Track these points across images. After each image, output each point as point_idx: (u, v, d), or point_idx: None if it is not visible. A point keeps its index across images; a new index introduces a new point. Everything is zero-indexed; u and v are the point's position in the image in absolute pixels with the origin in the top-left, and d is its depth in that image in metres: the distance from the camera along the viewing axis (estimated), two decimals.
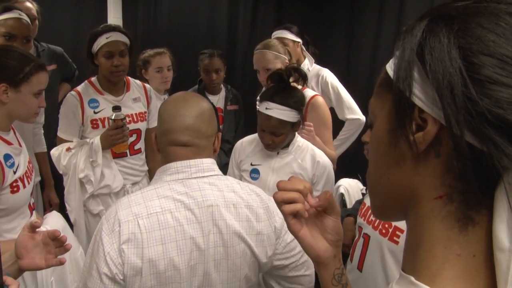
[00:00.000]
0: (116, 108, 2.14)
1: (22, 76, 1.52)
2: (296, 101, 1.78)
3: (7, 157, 1.52)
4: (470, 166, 0.43)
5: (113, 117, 2.12)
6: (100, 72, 2.24)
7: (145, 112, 2.39)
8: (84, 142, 2.15)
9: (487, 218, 0.46)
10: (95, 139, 2.14)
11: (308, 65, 2.70)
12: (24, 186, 1.58)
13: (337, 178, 2.37)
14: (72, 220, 2.18)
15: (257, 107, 1.84)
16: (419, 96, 0.46)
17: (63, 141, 2.21)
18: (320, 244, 0.79)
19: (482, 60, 0.43)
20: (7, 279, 0.96)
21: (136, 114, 2.33)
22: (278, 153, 1.87)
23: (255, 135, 1.94)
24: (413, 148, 0.47)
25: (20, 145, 1.66)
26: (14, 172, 1.54)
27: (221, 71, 2.89)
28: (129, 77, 2.40)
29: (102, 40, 2.15)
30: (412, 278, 0.48)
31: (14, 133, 1.67)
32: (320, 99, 2.29)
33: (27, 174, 1.62)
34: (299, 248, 1.20)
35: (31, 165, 1.71)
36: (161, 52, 2.84)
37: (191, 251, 1.10)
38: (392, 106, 0.50)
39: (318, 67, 2.73)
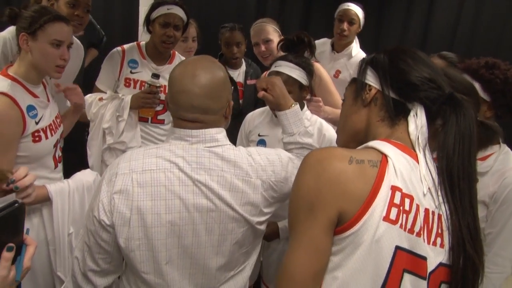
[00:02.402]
0: (155, 76, 2.22)
1: (38, 25, 1.58)
2: (306, 63, 1.77)
3: (30, 108, 1.61)
4: (391, 106, 1.01)
5: (150, 82, 2.21)
6: (151, 39, 2.33)
7: None
8: (116, 96, 2.26)
9: (405, 122, 1.00)
10: (126, 97, 2.23)
11: (355, 48, 2.78)
12: (47, 137, 1.67)
13: None
14: (90, 164, 2.30)
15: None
16: (368, 79, 1.06)
17: (99, 90, 2.33)
18: None
19: (398, 62, 1.02)
20: (27, 238, 0.99)
21: (159, 75, 2.35)
22: None
23: (266, 107, 1.93)
24: (364, 101, 1.05)
25: (48, 100, 1.75)
26: (36, 123, 1.63)
27: (242, 45, 2.85)
28: (176, 51, 2.46)
29: (162, 10, 2.23)
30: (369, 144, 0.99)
31: (45, 88, 1.77)
32: (317, 65, 2.28)
33: (51, 127, 1.71)
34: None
35: (58, 120, 1.81)
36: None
37: (180, 211, 1.14)
38: (355, 88, 1.09)
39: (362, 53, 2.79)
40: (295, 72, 1.74)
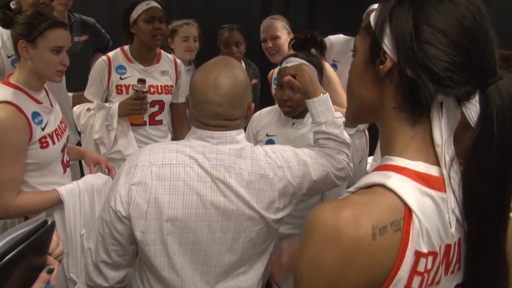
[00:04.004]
0: (141, 81, 2.20)
1: (38, 32, 1.58)
2: (317, 61, 1.76)
3: (35, 114, 1.61)
4: (407, 90, 0.71)
5: (136, 88, 2.19)
6: (137, 40, 2.29)
7: (171, 86, 2.41)
8: (103, 105, 2.23)
9: (429, 119, 0.72)
10: (113, 105, 2.22)
11: None
12: (54, 143, 1.68)
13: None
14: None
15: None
16: (385, 43, 0.72)
17: (87, 101, 2.30)
18: None
19: (424, 28, 0.69)
20: (49, 259, 0.99)
21: (161, 86, 2.37)
22: (293, 124, 1.83)
23: (274, 107, 1.92)
24: (377, 74, 0.74)
25: (52, 106, 1.75)
26: (42, 129, 1.63)
27: (241, 45, 2.86)
28: (161, 50, 2.44)
29: (142, 7, 2.22)
30: (387, 155, 0.76)
31: (47, 93, 1.76)
32: (325, 64, 2.23)
33: (57, 132, 1.72)
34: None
35: (63, 125, 1.81)
36: (189, 22, 2.86)
37: (196, 207, 1.15)
38: (369, 45, 0.76)
39: None
40: None
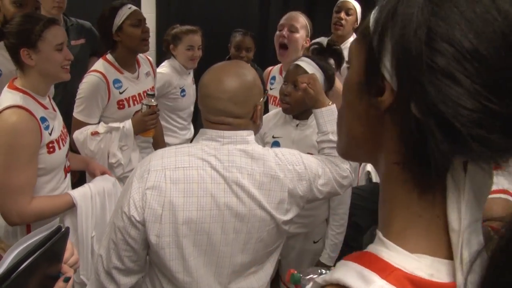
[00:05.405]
0: (151, 95, 2.15)
1: (36, 36, 1.55)
2: (329, 69, 1.76)
3: (43, 119, 1.60)
4: (415, 140, 0.43)
5: (147, 103, 2.11)
6: (123, 47, 2.17)
7: (154, 86, 2.40)
8: (114, 128, 2.08)
9: (444, 192, 0.46)
10: (126, 124, 2.09)
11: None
12: (59, 148, 1.68)
13: None
14: None
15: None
16: (385, 63, 0.44)
17: (82, 123, 2.10)
18: None
19: (442, 47, 0.40)
20: (64, 267, 0.99)
21: (150, 89, 2.34)
22: (297, 126, 1.84)
23: (279, 109, 1.93)
24: (374, 107, 0.47)
25: (55, 110, 1.75)
26: (50, 134, 1.64)
27: (251, 51, 2.91)
28: None
29: (125, 11, 2.11)
30: (380, 235, 0.49)
31: (50, 99, 1.76)
32: (337, 80, 2.23)
33: (61, 137, 1.72)
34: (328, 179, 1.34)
35: (65, 130, 1.81)
36: (194, 30, 2.78)
37: (210, 209, 1.16)
38: (364, 61, 0.48)
39: None
40: (314, 71, 1.70)
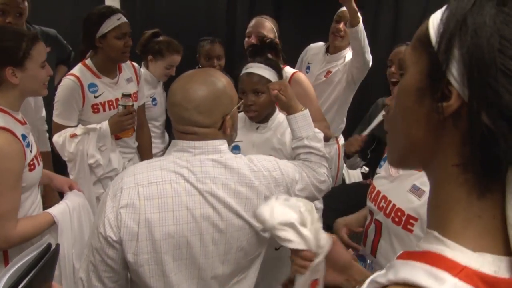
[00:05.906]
0: (126, 96, 2.17)
1: (23, 53, 1.52)
2: (276, 64, 1.80)
3: (23, 137, 1.54)
4: (481, 144, 0.46)
5: (123, 103, 2.16)
6: (103, 54, 2.20)
7: (136, 92, 2.40)
8: (91, 128, 2.14)
9: (504, 187, 0.48)
10: (103, 125, 2.16)
11: (348, 54, 2.76)
12: (38, 164, 1.63)
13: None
14: None
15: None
16: (452, 71, 0.47)
17: (61, 127, 2.17)
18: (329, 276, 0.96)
19: None
20: (55, 285, 0.99)
21: (131, 94, 2.32)
22: (257, 128, 1.85)
23: (240, 114, 1.92)
24: (437, 112, 0.49)
25: (25, 122, 1.67)
26: (30, 152, 1.58)
27: (222, 58, 2.88)
28: None
29: (112, 22, 2.14)
30: (436, 233, 0.52)
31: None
32: (301, 75, 2.30)
33: (38, 152, 1.67)
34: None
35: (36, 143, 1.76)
36: (179, 50, 2.78)
37: (187, 222, 1.15)
38: (425, 67, 0.51)
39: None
40: (267, 72, 1.74)
